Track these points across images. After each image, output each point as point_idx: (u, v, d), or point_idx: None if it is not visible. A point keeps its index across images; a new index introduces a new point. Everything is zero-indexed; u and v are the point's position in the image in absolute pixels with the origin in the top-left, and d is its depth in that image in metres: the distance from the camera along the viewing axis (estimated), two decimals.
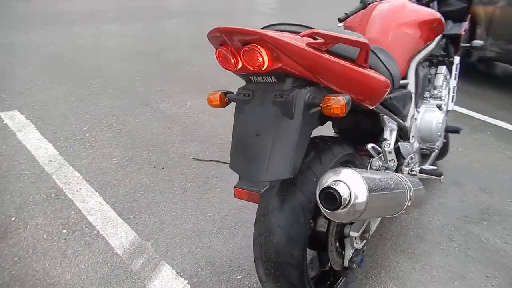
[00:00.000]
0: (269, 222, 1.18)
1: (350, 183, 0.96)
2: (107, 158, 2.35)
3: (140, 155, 2.39)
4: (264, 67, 0.99)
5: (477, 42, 2.05)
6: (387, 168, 1.44)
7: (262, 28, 1.24)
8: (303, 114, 1.05)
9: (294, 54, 1.00)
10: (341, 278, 1.46)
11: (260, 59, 0.99)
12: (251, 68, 1.01)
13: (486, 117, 3.29)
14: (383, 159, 1.44)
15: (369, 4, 1.92)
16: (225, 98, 1.23)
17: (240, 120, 1.15)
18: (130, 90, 3.41)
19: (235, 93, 1.21)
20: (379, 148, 1.41)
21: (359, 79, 1.17)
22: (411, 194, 1.27)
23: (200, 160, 2.39)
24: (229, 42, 1.01)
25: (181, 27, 6.22)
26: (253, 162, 1.10)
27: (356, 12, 1.99)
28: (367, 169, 1.39)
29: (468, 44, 2.09)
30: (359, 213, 0.97)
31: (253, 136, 1.11)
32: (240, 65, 1.03)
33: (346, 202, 0.94)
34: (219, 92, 1.24)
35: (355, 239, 1.37)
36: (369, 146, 1.39)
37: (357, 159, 1.38)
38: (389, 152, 1.41)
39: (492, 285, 1.60)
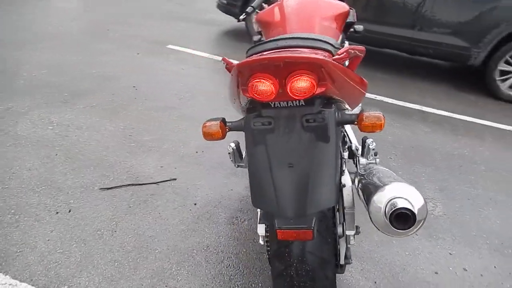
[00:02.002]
0: (298, 251, 1.13)
1: (414, 199, 0.95)
2: None
3: (29, 203, 1.89)
4: (310, 94, 0.90)
5: (359, 27, 2.25)
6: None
7: (259, 44, 1.11)
8: (336, 135, 1.01)
9: (340, 76, 0.94)
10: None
11: (307, 84, 0.89)
12: (295, 96, 0.91)
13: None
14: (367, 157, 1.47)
15: None
16: (226, 128, 1.08)
17: (261, 153, 1.02)
18: None
19: (239, 122, 1.07)
20: (359, 146, 1.45)
21: (360, 86, 1.17)
22: None
23: (110, 188, 2.05)
24: (273, 71, 0.89)
25: None
26: (291, 196, 1.01)
27: (260, 5, 1.95)
28: (358, 169, 1.40)
29: (352, 30, 2.27)
30: (420, 225, 0.98)
31: (285, 168, 1.01)
32: (277, 94, 0.92)
33: (418, 220, 0.93)
34: (219, 122, 1.07)
35: (351, 237, 1.43)
36: (353, 146, 1.43)
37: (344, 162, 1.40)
38: (373, 149, 1.46)
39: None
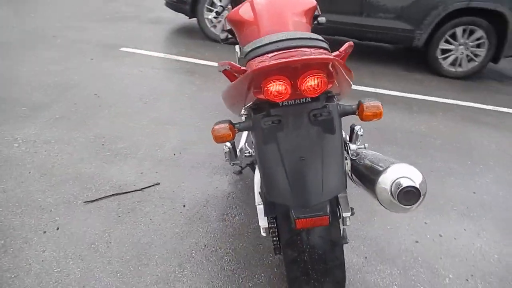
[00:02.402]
0: (309, 238, 1.21)
1: (414, 177, 1.04)
2: None
3: (12, 226, 1.82)
4: (322, 91, 0.98)
5: (322, 19, 2.35)
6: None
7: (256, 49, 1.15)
8: (340, 126, 1.10)
9: (341, 71, 1.02)
10: None
11: (319, 82, 0.97)
12: (308, 94, 0.98)
13: None
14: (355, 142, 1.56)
15: None
16: (234, 129, 1.13)
17: (272, 149, 1.09)
18: None
19: (247, 122, 1.12)
20: (346, 134, 1.54)
21: (350, 78, 1.25)
22: None
23: (95, 200, 2.01)
24: (287, 73, 0.95)
25: None
26: (305, 187, 1.09)
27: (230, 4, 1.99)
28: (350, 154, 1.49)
29: (315, 22, 2.36)
30: (423, 199, 1.05)
31: (297, 161, 1.09)
32: (290, 94, 0.98)
33: (422, 194, 1.02)
34: (227, 124, 1.12)
35: (347, 219, 1.54)
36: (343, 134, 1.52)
37: None
38: (361, 135, 1.54)
39: None
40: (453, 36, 4.53)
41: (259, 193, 1.59)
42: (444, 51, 4.56)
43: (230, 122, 1.15)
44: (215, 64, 4.14)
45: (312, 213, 1.10)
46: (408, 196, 1.03)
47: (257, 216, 1.50)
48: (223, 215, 2.01)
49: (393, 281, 1.71)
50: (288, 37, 1.11)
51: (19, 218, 1.86)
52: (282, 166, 1.10)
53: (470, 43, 4.56)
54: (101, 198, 2.03)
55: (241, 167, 2.37)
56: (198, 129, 2.82)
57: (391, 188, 1.07)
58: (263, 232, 1.49)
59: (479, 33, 4.47)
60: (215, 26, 4.88)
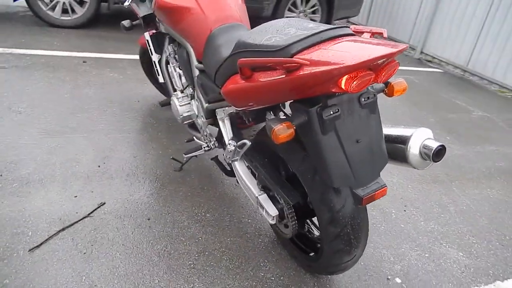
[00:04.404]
0: (349, 211, 1.31)
1: (432, 136, 1.27)
2: None
3: None
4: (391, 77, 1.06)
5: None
6: None
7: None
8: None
9: None
10: None
11: (393, 70, 1.04)
12: (381, 81, 1.04)
13: None
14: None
15: None
16: (292, 126, 1.12)
17: (332, 139, 1.13)
18: None
19: (302, 117, 1.12)
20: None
21: None
22: None
23: (41, 244, 1.62)
24: (374, 65, 0.99)
25: None
26: (363, 166, 1.18)
27: None
28: None
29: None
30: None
31: (354, 145, 1.16)
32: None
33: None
34: (285, 124, 1.10)
35: None
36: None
37: None
38: None
39: None
40: (294, 5, 5.08)
41: (257, 184, 1.61)
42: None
43: (286, 120, 1.12)
44: (75, 54, 3.61)
45: (374, 188, 1.21)
46: (440, 153, 1.24)
47: (261, 205, 1.53)
48: (194, 216, 1.91)
49: None
50: (329, 28, 1.13)
51: None
52: (342, 152, 1.15)
53: (308, 10, 5.21)
54: (47, 240, 1.65)
55: (181, 163, 2.25)
56: (105, 131, 2.49)
57: (420, 151, 1.27)
58: (272, 220, 1.53)
59: (314, 1, 5.14)
60: (53, 9, 4.16)
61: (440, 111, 3.81)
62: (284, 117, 1.61)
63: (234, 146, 1.47)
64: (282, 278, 1.64)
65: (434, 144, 1.24)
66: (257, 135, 1.61)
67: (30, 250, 1.59)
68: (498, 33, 4.72)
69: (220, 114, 1.67)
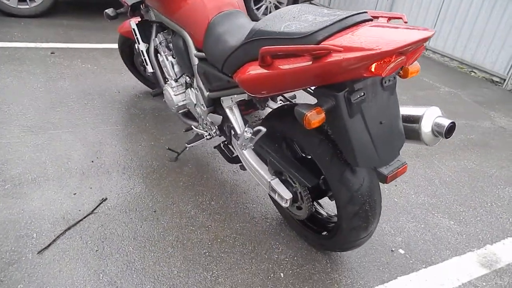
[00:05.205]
0: (366, 190, 1.37)
1: (441, 113, 1.33)
2: None
3: None
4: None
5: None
6: None
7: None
8: None
9: None
10: None
11: (418, 54, 1.08)
12: (406, 65, 1.08)
13: None
14: None
15: None
16: (322, 111, 1.14)
17: (359, 121, 1.17)
18: None
19: (329, 102, 1.14)
20: None
21: None
22: None
23: (49, 245, 1.56)
24: (406, 50, 1.02)
25: None
26: (386, 146, 1.24)
27: None
28: None
29: None
30: None
31: (378, 126, 1.21)
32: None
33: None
34: (316, 109, 1.12)
35: None
36: None
37: None
38: None
39: None
40: None
41: (268, 169, 1.63)
42: (256, 2, 5.09)
43: (316, 105, 1.14)
44: (40, 45, 3.42)
45: (396, 166, 1.27)
46: (452, 130, 1.32)
47: (273, 189, 1.56)
48: (200, 205, 1.91)
49: None
50: (350, 14, 1.16)
51: None
52: (368, 134, 1.20)
53: None
54: (55, 240, 1.59)
55: (177, 153, 2.23)
56: (91, 125, 2.40)
57: (433, 129, 1.34)
58: (285, 203, 1.57)
59: None
60: None
61: (410, 89, 3.98)
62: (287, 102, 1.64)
63: (250, 133, 1.47)
64: (295, 258, 1.69)
65: (446, 122, 1.31)
66: (265, 120, 1.62)
67: (39, 253, 1.53)
68: (456, 12, 4.97)
69: (227, 102, 1.66)
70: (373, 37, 1.03)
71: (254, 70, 1.29)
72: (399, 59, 1.02)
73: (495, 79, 4.54)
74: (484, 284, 1.69)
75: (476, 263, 1.80)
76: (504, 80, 4.41)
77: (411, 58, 1.08)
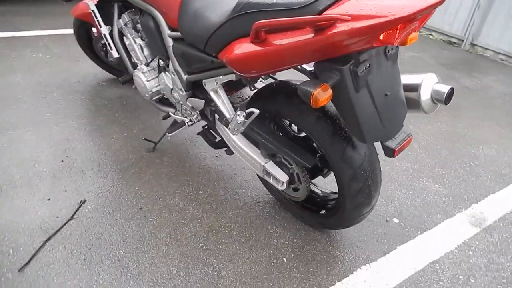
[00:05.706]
0: (368, 165, 1.33)
1: (438, 80, 1.28)
2: None
3: None
4: None
5: None
6: None
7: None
8: None
9: None
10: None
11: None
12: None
13: None
14: None
15: None
16: (329, 88, 1.06)
17: (365, 95, 1.11)
18: None
19: (334, 77, 1.06)
20: None
21: None
22: None
23: (30, 260, 1.41)
24: (412, 22, 0.94)
25: None
26: (392, 119, 1.19)
27: None
28: None
29: None
30: None
31: (384, 98, 1.15)
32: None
33: None
34: (322, 86, 1.04)
35: None
36: None
37: None
38: None
39: None
40: None
41: (261, 152, 1.55)
42: None
43: (322, 82, 1.06)
44: None
45: (402, 138, 1.23)
46: (451, 96, 1.28)
47: (268, 173, 1.50)
48: (187, 196, 1.80)
49: None
50: None
51: None
52: (374, 108, 1.14)
53: None
54: (35, 254, 1.44)
55: (154, 143, 2.09)
56: (54, 121, 2.20)
57: (432, 97, 1.30)
58: (282, 186, 1.51)
59: None
60: None
61: None
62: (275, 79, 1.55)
63: (243, 116, 1.37)
64: (295, 240, 1.65)
65: (445, 88, 1.27)
66: (253, 101, 1.53)
67: (19, 270, 1.38)
68: None
69: (211, 84, 1.54)
70: (383, 3, 0.94)
71: (245, 47, 1.18)
72: (413, 25, 0.95)
73: (453, 40, 4.65)
74: (477, 243, 1.73)
75: (466, 224, 1.84)
76: (462, 41, 4.52)
77: (420, 24, 1.01)
